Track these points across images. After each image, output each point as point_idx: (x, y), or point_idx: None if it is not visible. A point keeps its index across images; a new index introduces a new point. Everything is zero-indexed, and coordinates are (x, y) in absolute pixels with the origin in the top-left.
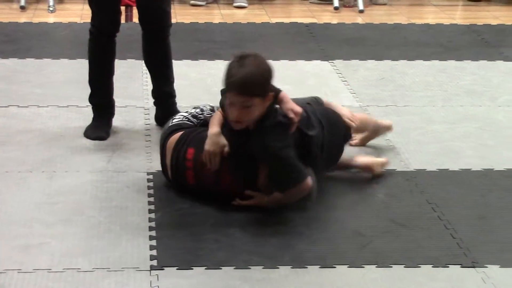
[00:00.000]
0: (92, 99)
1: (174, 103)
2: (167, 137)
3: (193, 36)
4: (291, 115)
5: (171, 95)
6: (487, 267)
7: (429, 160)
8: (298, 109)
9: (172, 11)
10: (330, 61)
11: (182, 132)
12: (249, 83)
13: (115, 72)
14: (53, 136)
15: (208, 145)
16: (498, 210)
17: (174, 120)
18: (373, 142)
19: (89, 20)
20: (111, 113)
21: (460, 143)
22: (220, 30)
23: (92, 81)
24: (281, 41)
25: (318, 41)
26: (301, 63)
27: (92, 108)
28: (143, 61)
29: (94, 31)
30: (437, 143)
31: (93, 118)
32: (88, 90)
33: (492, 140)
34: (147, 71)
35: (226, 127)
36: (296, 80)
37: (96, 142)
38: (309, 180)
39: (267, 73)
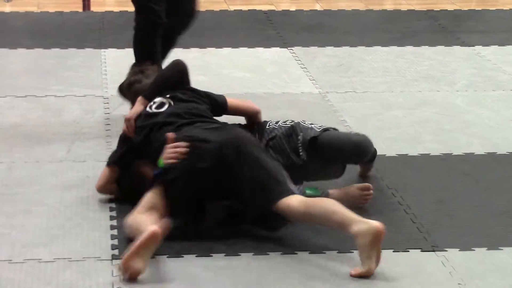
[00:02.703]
0: None
1: None
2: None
3: None
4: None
5: None
6: (446, 250)
7: (388, 145)
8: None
9: None
10: (289, 48)
11: None
12: None
13: (74, 62)
14: (11, 126)
15: None
16: (457, 194)
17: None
18: None
19: (45, 9)
20: None
21: (419, 128)
22: None
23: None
24: (240, 29)
25: (277, 28)
26: (260, 50)
27: None
28: (101, 50)
29: (140, 21)
30: (396, 128)
31: None
32: (46, 80)
33: (450, 125)
34: (106, 60)
35: None
36: (255, 67)
37: (55, 131)
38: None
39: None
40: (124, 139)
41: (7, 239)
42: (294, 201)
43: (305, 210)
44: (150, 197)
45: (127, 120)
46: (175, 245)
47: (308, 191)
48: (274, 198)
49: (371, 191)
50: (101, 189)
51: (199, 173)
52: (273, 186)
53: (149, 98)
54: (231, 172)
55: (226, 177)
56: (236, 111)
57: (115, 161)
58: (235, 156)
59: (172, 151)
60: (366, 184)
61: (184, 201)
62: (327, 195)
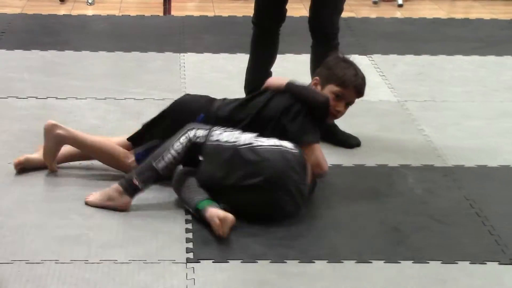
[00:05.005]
0: (248, 87)
1: None
2: None
3: (231, 30)
4: None
5: None
6: None
7: (467, 156)
8: None
9: (210, 4)
10: (368, 55)
11: None
12: (365, 88)
13: (153, 65)
14: (90, 128)
15: None
16: None
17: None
18: (409, 137)
19: (127, 12)
20: None
21: (499, 139)
22: None
23: (250, 71)
24: None
25: (357, 35)
26: None
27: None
28: (181, 54)
29: (257, 25)
30: (476, 139)
31: None
32: (125, 83)
33: None
34: (185, 64)
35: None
36: None
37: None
38: None
39: None
40: None
41: (84, 240)
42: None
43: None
44: None
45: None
46: (250, 250)
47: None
48: None
49: None
50: None
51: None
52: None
53: (287, 88)
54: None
55: None
56: None
57: None
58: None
59: None
60: None
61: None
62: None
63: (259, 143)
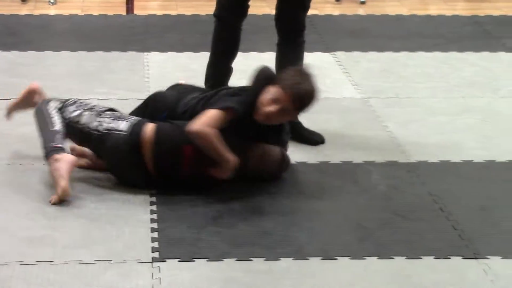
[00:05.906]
0: (209, 81)
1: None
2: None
3: (195, 28)
4: None
5: None
6: (488, 258)
7: (431, 151)
8: None
9: (173, 3)
10: (331, 52)
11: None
12: (308, 103)
13: (117, 64)
14: None
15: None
16: (500, 201)
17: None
18: (373, 134)
19: (89, 12)
20: None
21: (462, 135)
22: None
23: (211, 65)
24: None
25: (320, 32)
26: None
27: None
28: (144, 53)
29: (219, 18)
30: (439, 134)
31: None
32: (89, 83)
33: (494, 132)
34: (149, 63)
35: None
36: None
37: None
38: None
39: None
40: None
41: (49, 241)
42: None
43: None
44: None
45: None
46: (216, 249)
47: None
48: None
49: None
50: None
51: None
52: None
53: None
54: None
55: None
56: None
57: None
58: None
59: None
60: None
61: None
62: None
63: (96, 124)
